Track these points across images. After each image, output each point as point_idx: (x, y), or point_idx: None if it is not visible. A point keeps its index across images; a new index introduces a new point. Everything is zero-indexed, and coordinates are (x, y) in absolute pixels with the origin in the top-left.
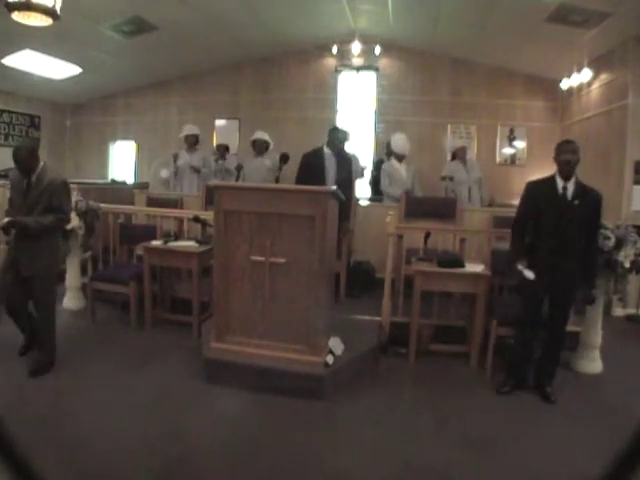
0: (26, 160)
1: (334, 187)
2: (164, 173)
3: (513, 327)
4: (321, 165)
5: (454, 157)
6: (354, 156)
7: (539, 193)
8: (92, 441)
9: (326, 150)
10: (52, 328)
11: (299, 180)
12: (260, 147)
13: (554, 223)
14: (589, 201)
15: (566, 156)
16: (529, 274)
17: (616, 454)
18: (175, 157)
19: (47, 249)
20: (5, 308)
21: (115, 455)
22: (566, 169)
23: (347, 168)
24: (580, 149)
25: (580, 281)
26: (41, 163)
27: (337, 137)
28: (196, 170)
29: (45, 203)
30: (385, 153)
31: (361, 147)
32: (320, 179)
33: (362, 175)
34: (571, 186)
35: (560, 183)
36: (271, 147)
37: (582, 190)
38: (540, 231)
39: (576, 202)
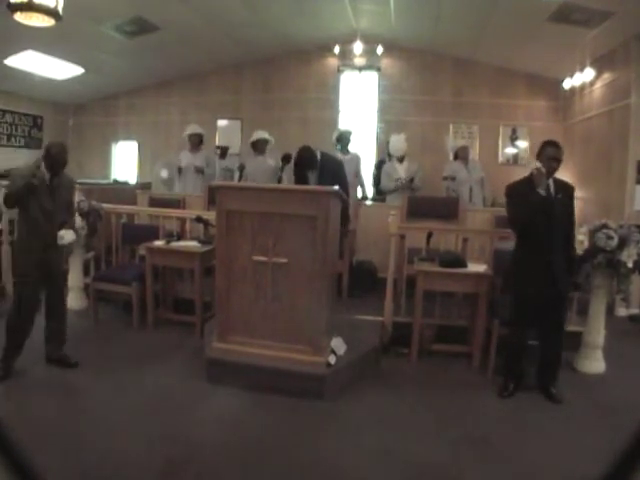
0: (65, 159)
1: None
2: (164, 173)
3: (507, 327)
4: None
5: (456, 157)
6: (356, 155)
7: (526, 193)
8: (93, 441)
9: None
10: None
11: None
12: (262, 146)
13: (545, 220)
14: (567, 193)
15: (551, 164)
16: None
17: (616, 454)
18: (180, 170)
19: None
20: (20, 309)
21: (116, 455)
22: (549, 172)
23: (334, 170)
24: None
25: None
26: None
27: (302, 161)
28: (199, 171)
29: (68, 201)
30: (386, 154)
31: (363, 147)
32: (303, 180)
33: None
34: (551, 182)
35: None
36: (272, 145)
37: (559, 184)
38: (531, 230)
39: (559, 196)
